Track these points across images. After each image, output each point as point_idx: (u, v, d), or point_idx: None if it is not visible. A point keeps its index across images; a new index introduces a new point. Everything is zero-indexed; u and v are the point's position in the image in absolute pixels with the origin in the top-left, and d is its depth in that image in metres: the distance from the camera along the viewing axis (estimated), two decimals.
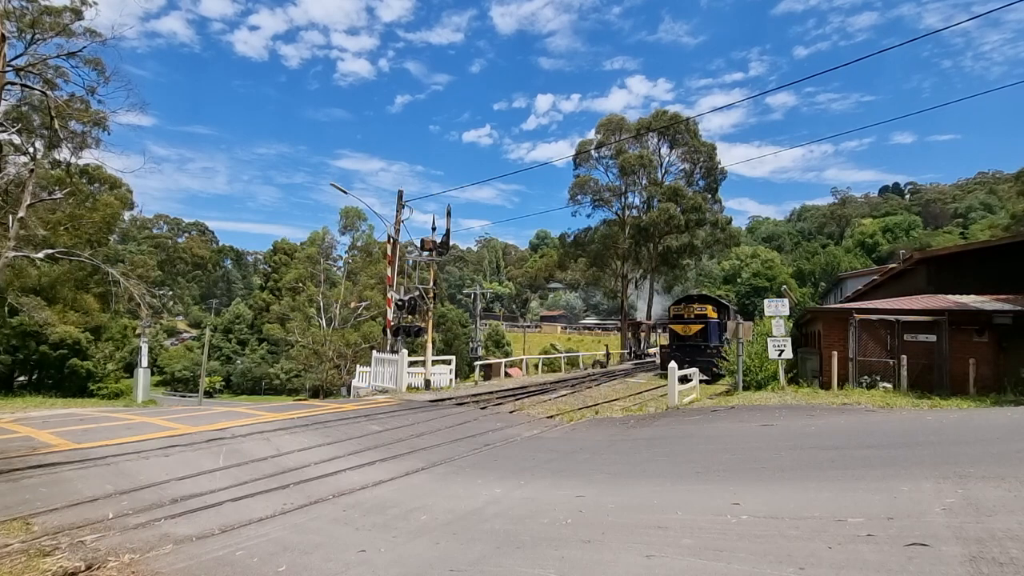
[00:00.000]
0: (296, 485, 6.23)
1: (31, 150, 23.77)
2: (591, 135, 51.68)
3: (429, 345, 18.30)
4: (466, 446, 9.04)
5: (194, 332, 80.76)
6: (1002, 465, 5.08)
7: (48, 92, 19.32)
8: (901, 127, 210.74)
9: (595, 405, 15.77)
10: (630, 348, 42.56)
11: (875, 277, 23.43)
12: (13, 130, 19.91)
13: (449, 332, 56.56)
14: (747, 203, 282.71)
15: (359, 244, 54.47)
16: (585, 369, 31.54)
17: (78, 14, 21.00)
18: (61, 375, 32.51)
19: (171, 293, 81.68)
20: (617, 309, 59.79)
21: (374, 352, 19.52)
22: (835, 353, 14.11)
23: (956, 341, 13.30)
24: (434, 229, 18.83)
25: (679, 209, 44.02)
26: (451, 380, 19.44)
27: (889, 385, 13.35)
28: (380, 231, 51.56)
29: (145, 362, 23.57)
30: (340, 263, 56.46)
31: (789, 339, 14.13)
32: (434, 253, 18.57)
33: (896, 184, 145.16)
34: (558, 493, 5.83)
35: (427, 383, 17.53)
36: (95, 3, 21.59)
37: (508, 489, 6.12)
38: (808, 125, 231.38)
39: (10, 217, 18.58)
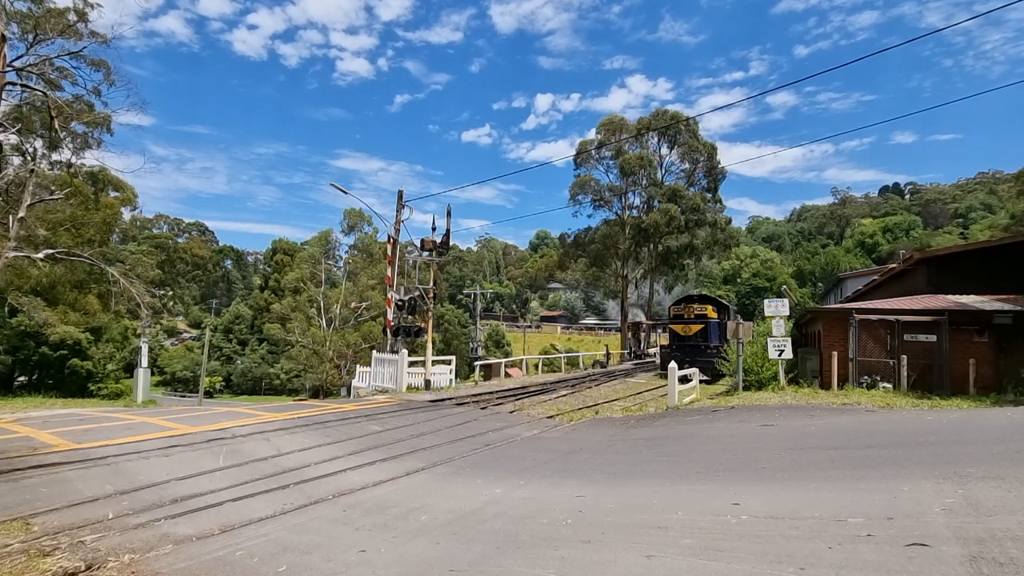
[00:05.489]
0: (296, 485, 6.23)
1: (31, 150, 23.74)
2: (591, 135, 51.73)
3: (429, 345, 18.30)
4: (466, 446, 9.04)
5: (194, 332, 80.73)
6: (1002, 465, 5.08)
7: (49, 92, 19.30)
8: (901, 127, 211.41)
9: (595, 405, 15.76)
10: (630, 348, 42.54)
11: (875, 277, 23.41)
12: (13, 130, 19.88)
13: (449, 332, 56.56)
14: (747, 203, 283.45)
15: (360, 244, 54.47)
16: (585, 369, 31.53)
17: (83, 16, 20.97)
18: (61, 375, 32.53)
19: (171, 293, 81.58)
20: (617, 309, 59.81)
21: (374, 352, 19.52)
22: (835, 353, 14.10)
23: (956, 341, 13.29)
24: (434, 229, 18.84)
25: (679, 209, 43.98)
26: (451, 380, 19.43)
27: (889, 385, 13.34)
28: (381, 232, 51.56)
29: (145, 362, 23.56)
30: (340, 263, 56.47)
31: (789, 339, 14.12)
32: (434, 253, 18.57)
33: (896, 184, 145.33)
34: (558, 493, 5.83)
35: (427, 383, 17.52)
36: (100, 5, 21.60)
37: (508, 489, 6.12)
38: (808, 125, 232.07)
39: (10, 217, 18.58)
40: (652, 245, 47.48)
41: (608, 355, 35.26)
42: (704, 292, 40.42)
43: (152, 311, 25.87)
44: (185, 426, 8.88)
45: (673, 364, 14.16)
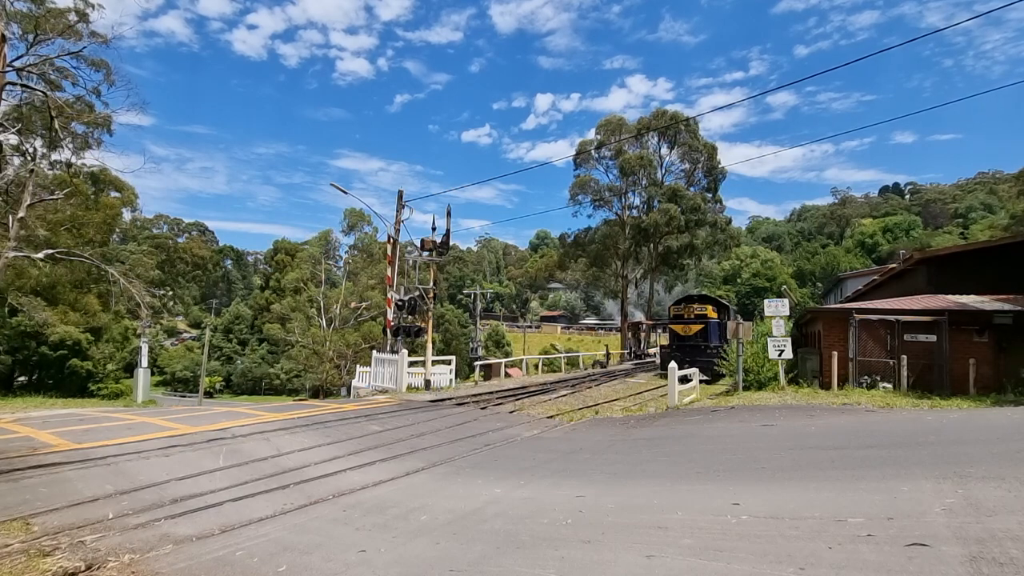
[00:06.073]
0: (296, 485, 6.23)
1: (31, 150, 23.76)
2: (591, 135, 51.76)
3: (429, 345, 18.30)
4: (466, 446, 9.04)
5: (194, 332, 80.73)
6: (1002, 465, 5.08)
7: (49, 93, 19.31)
8: (902, 127, 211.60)
9: (595, 405, 15.76)
10: (630, 348, 42.53)
11: (875, 277, 23.41)
12: (13, 130, 19.89)
13: (449, 332, 56.58)
14: (747, 203, 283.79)
15: (360, 244, 54.48)
16: (585, 369, 31.53)
17: (83, 16, 20.98)
18: (61, 375, 32.55)
19: (171, 293, 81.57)
20: (617, 309, 59.84)
21: (374, 352, 19.52)
22: (835, 353, 14.10)
23: (956, 341, 13.29)
24: (434, 229, 18.84)
25: (679, 209, 43.99)
26: (451, 380, 19.43)
27: (889, 385, 13.34)
28: (381, 232, 51.59)
29: (145, 362, 23.54)
30: (340, 263, 56.52)
31: (789, 339, 14.12)
32: (434, 253, 18.57)
33: (896, 184, 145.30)
34: (558, 493, 5.83)
35: (427, 383, 17.53)
36: (101, 6, 21.62)
37: (508, 489, 6.12)
38: (808, 124, 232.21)
39: (10, 217, 18.58)
40: (652, 245, 47.50)
41: (608, 355, 35.26)
42: (704, 292, 40.43)
43: (152, 311, 25.86)
44: (185, 426, 8.88)
45: (673, 364, 14.15)
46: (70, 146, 26.17)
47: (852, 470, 5.52)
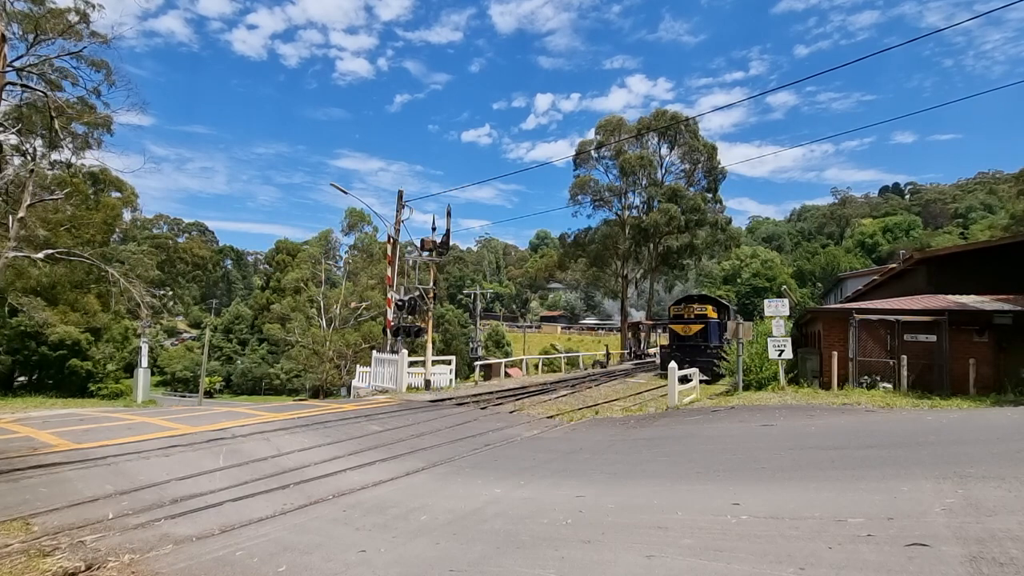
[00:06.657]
0: (296, 485, 6.23)
1: (31, 150, 23.77)
2: (591, 135, 51.76)
3: (429, 345, 18.30)
4: (466, 446, 9.03)
5: (194, 332, 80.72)
6: (1002, 465, 5.08)
7: (49, 93, 19.31)
8: (902, 127, 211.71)
9: (595, 405, 15.76)
10: (630, 348, 42.53)
11: (875, 277, 23.40)
12: (13, 131, 19.90)
13: (449, 332, 56.54)
14: (747, 203, 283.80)
15: (360, 244, 54.46)
16: (585, 369, 31.52)
17: (84, 16, 21.00)
18: (61, 375, 32.53)
19: (171, 293, 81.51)
20: (617, 309, 59.86)
21: (374, 352, 19.52)
22: (835, 353, 14.10)
23: (956, 341, 13.28)
24: (434, 229, 18.84)
25: (679, 209, 44.01)
26: (451, 380, 19.43)
27: (889, 385, 13.34)
28: (381, 231, 51.55)
29: (145, 362, 23.53)
30: (340, 263, 56.52)
31: (789, 339, 14.11)
32: (434, 253, 18.57)
33: (896, 184, 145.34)
34: (558, 493, 5.83)
35: (427, 383, 17.52)
36: (101, 6, 21.65)
37: (508, 489, 6.12)
38: (809, 124, 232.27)
39: (10, 217, 18.59)
40: (652, 245, 47.51)
41: (608, 355, 35.25)
42: (704, 292, 40.43)
43: (152, 311, 25.84)
44: (185, 426, 8.89)
45: (673, 364, 14.15)
46: (70, 146, 26.22)
47: (852, 470, 5.52)
